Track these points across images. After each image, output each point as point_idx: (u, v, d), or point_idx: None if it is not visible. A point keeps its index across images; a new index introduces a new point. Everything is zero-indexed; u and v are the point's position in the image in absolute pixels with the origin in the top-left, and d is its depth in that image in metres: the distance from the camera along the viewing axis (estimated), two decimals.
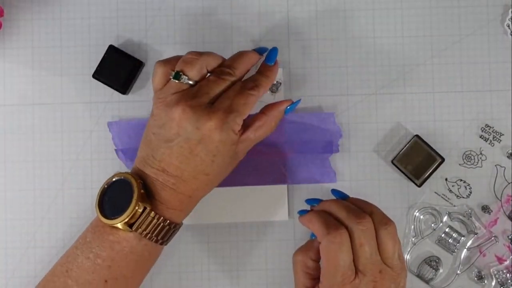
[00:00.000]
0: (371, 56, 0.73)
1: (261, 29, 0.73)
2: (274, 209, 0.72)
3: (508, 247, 0.71)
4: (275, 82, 0.71)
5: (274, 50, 0.67)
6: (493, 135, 0.72)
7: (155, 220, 0.61)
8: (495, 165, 0.72)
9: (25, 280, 0.72)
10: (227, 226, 0.72)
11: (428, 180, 0.71)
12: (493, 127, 0.72)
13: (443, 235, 0.71)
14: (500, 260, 0.71)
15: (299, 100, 0.67)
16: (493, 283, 0.71)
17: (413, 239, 0.71)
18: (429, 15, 0.73)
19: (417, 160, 0.71)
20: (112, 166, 0.72)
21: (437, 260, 0.71)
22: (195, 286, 0.72)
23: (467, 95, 0.72)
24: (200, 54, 0.63)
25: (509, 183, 0.72)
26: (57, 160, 0.72)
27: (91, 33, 0.73)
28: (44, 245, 0.72)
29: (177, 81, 0.62)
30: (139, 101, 0.73)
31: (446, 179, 0.72)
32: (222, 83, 0.62)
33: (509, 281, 0.70)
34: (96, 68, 0.71)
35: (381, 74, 0.73)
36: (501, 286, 0.71)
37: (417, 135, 0.71)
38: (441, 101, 0.72)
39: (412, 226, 0.72)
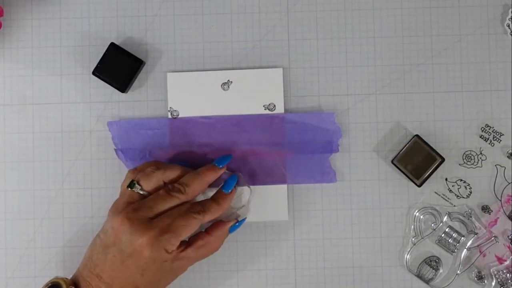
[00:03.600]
0: (371, 56, 0.73)
1: (261, 29, 0.73)
2: (274, 209, 0.72)
3: (508, 247, 0.71)
4: (241, 205, 0.70)
5: (232, 178, 0.68)
6: (493, 135, 0.72)
7: None
8: (495, 165, 0.72)
9: (25, 280, 0.72)
10: None
11: (428, 180, 0.71)
12: (493, 127, 0.72)
13: (443, 235, 0.71)
14: (500, 260, 0.71)
15: (244, 219, 0.69)
16: (493, 283, 0.71)
17: (413, 239, 0.71)
18: (429, 15, 0.73)
19: (417, 160, 0.71)
20: (112, 166, 0.72)
21: (437, 260, 0.71)
22: (195, 286, 0.72)
23: (467, 95, 0.72)
24: (160, 167, 0.66)
25: (509, 183, 0.72)
26: (57, 160, 0.72)
27: (91, 33, 0.73)
28: (44, 245, 0.72)
29: (130, 189, 0.64)
30: (139, 101, 0.73)
31: (446, 179, 0.72)
32: (170, 200, 0.64)
33: (509, 281, 0.70)
34: (97, 65, 0.71)
35: (381, 74, 0.73)
36: (501, 286, 0.71)
37: (417, 135, 0.71)
38: (441, 101, 0.72)
39: (412, 226, 0.72)
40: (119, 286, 0.62)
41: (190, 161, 0.71)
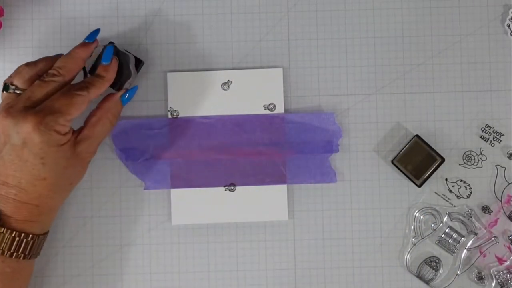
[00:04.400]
0: (371, 56, 0.73)
1: (261, 29, 0.73)
2: (274, 209, 0.72)
3: (509, 247, 0.71)
4: (129, 74, 0.69)
5: (109, 48, 0.67)
6: (493, 135, 0.72)
7: (7, 235, 0.61)
8: (495, 165, 0.72)
9: None
10: (227, 226, 0.72)
11: (428, 180, 0.71)
12: (493, 127, 0.72)
13: (443, 236, 0.71)
14: (501, 260, 0.71)
15: (136, 87, 0.68)
16: (493, 284, 0.71)
17: (413, 239, 0.71)
18: (429, 15, 0.73)
19: (417, 160, 0.71)
20: (112, 166, 0.72)
21: (437, 261, 0.71)
22: (195, 286, 0.71)
23: (467, 95, 0.72)
24: (30, 62, 0.65)
25: (509, 184, 0.71)
26: None
27: None
28: (44, 245, 0.72)
29: (5, 92, 0.63)
30: (139, 101, 0.73)
31: (446, 179, 0.72)
32: (46, 86, 0.63)
33: (509, 281, 0.70)
34: (93, 64, 0.70)
35: (381, 74, 0.73)
36: (502, 286, 0.70)
37: (417, 135, 0.71)
38: (441, 101, 0.72)
39: (412, 226, 0.72)
40: (28, 184, 0.61)
41: (190, 161, 0.71)
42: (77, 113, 0.63)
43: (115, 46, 0.69)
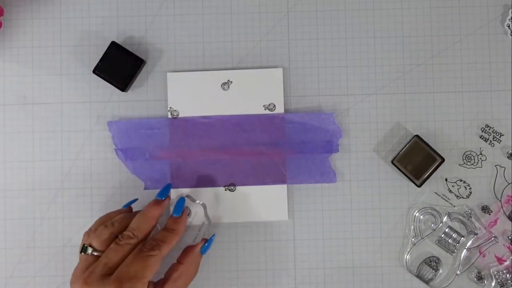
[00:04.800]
0: (371, 56, 0.73)
1: (261, 29, 0.73)
2: (274, 209, 0.72)
3: (508, 247, 0.71)
4: (201, 223, 0.70)
5: (180, 201, 0.68)
6: (493, 135, 0.72)
7: None
8: (495, 166, 0.72)
9: (25, 280, 0.72)
10: (227, 226, 0.72)
11: (428, 180, 0.71)
12: (493, 127, 0.72)
13: (443, 236, 0.71)
14: (500, 260, 0.71)
15: (213, 236, 0.69)
16: (493, 284, 0.71)
17: (413, 239, 0.71)
18: (429, 15, 0.73)
19: (417, 160, 0.71)
20: (112, 166, 0.72)
21: (437, 261, 0.71)
22: (195, 286, 0.71)
23: (467, 95, 0.72)
24: (107, 223, 0.64)
25: (509, 184, 0.72)
26: (57, 160, 0.72)
27: (91, 33, 0.73)
28: (44, 245, 0.72)
29: (83, 254, 0.63)
30: (139, 101, 0.73)
31: (446, 179, 0.72)
32: (122, 250, 0.63)
33: (509, 281, 0.70)
34: (97, 64, 0.71)
35: (381, 74, 0.73)
36: (501, 286, 0.70)
37: (417, 135, 0.71)
38: (441, 101, 0.72)
39: (412, 226, 0.72)
40: None
41: (190, 161, 0.71)
42: (152, 274, 0.62)
43: (116, 44, 0.70)
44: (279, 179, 0.72)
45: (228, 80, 0.72)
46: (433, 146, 0.71)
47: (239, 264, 0.72)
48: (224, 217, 0.72)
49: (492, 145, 0.72)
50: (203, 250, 0.68)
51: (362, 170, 0.72)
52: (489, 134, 0.72)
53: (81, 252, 0.64)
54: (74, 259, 0.71)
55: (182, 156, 0.72)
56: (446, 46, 0.73)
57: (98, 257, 0.63)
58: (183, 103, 0.72)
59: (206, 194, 0.71)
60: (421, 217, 0.72)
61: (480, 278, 0.71)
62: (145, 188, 0.72)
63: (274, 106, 0.72)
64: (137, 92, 0.73)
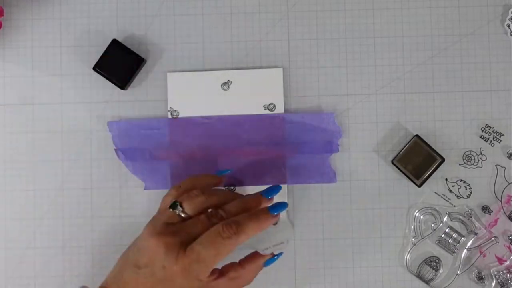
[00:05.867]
0: (371, 56, 0.73)
1: (261, 29, 0.73)
2: None
3: (509, 247, 0.71)
4: (280, 242, 0.65)
5: (283, 204, 0.64)
6: (493, 135, 0.72)
7: None
8: (495, 165, 0.72)
9: (25, 280, 0.72)
10: None
11: (428, 180, 0.71)
12: (493, 127, 0.72)
13: (443, 236, 0.71)
14: (501, 260, 0.71)
15: (281, 253, 0.66)
16: (493, 284, 0.71)
17: (413, 239, 0.71)
18: (429, 15, 0.73)
19: (417, 160, 0.71)
20: (112, 166, 0.72)
21: (437, 261, 0.71)
22: None
23: (467, 95, 0.72)
24: (205, 192, 0.64)
25: (509, 183, 0.71)
26: (57, 160, 0.72)
27: (91, 33, 0.73)
28: (44, 245, 0.72)
29: (171, 210, 0.63)
30: (139, 101, 0.73)
31: (446, 179, 0.72)
32: (209, 227, 0.61)
33: (509, 281, 0.70)
34: (98, 61, 0.71)
35: (381, 74, 0.73)
36: (502, 286, 0.70)
37: (417, 135, 0.71)
38: (441, 101, 0.72)
39: (412, 226, 0.72)
40: None
41: (190, 161, 0.71)
42: (220, 261, 0.61)
43: (117, 42, 0.70)
44: (279, 179, 0.72)
45: (228, 80, 0.72)
46: (433, 146, 0.71)
47: None
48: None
49: (492, 145, 0.72)
50: (267, 263, 0.66)
51: (362, 170, 0.72)
52: (489, 134, 0.72)
53: (169, 208, 0.63)
54: (74, 259, 0.71)
55: (182, 156, 0.72)
56: (446, 46, 0.73)
57: (182, 219, 0.63)
58: (183, 103, 0.72)
59: None
60: (421, 217, 0.72)
61: (480, 278, 0.71)
62: (145, 188, 0.72)
63: (274, 106, 0.72)
64: (137, 92, 0.73)
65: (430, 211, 0.72)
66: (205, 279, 0.61)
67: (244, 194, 0.69)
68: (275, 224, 0.64)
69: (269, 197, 0.65)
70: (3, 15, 0.71)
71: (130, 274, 0.61)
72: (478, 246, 0.71)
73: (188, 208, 0.63)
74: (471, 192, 0.72)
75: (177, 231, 0.61)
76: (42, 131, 0.72)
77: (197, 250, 0.60)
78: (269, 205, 0.63)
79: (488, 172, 0.72)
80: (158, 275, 0.61)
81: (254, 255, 0.65)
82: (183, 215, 0.63)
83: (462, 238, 0.71)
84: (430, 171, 0.71)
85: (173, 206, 0.63)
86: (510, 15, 0.72)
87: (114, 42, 0.71)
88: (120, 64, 0.71)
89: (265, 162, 0.72)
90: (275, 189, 0.65)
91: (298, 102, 0.72)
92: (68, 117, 0.73)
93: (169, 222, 0.63)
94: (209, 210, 0.63)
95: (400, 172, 0.71)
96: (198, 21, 0.73)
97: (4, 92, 0.73)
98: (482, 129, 0.72)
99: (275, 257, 0.66)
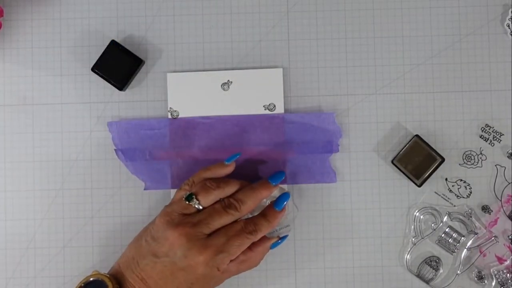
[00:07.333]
0: (371, 56, 0.73)
1: (261, 29, 0.73)
2: None
3: (509, 247, 0.71)
4: (285, 225, 0.71)
5: (285, 196, 0.68)
6: (493, 135, 0.72)
7: None
8: (495, 165, 0.72)
9: (25, 280, 0.72)
10: None
11: (428, 180, 0.71)
12: (493, 127, 0.72)
13: (443, 235, 0.71)
14: (501, 260, 0.71)
15: (286, 236, 0.69)
16: (493, 283, 0.71)
17: (413, 239, 0.71)
18: (429, 15, 0.73)
19: (417, 160, 0.71)
20: (112, 166, 0.72)
21: (437, 260, 0.71)
22: None
23: (467, 95, 0.72)
24: (219, 184, 0.66)
25: (509, 183, 0.72)
26: (57, 160, 0.72)
27: (91, 33, 0.73)
28: (44, 245, 0.72)
29: (187, 202, 0.65)
30: (139, 101, 0.73)
31: (446, 179, 0.72)
32: (225, 217, 0.65)
33: (509, 281, 0.70)
34: (96, 62, 0.71)
35: (381, 74, 0.73)
36: (502, 286, 0.70)
37: (417, 135, 0.71)
38: (441, 101, 0.72)
39: (412, 226, 0.72)
40: None
41: (190, 161, 0.71)
42: (239, 253, 0.65)
43: (116, 43, 0.70)
44: None
45: (228, 80, 0.72)
46: (433, 146, 0.71)
47: None
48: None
49: (492, 144, 0.72)
50: (274, 245, 0.68)
51: (362, 170, 0.72)
52: (489, 134, 0.72)
53: (185, 200, 0.65)
54: (74, 259, 0.71)
55: (182, 156, 0.72)
56: (446, 46, 0.73)
57: (197, 210, 0.65)
58: (183, 103, 0.72)
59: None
60: (421, 217, 0.72)
61: (480, 277, 0.71)
62: (145, 189, 0.72)
63: (274, 106, 0.72)
64: (137, 93, 0.73)
65: (430, 211, 0.72)
66: (223, 268, 0.64)
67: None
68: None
69: (275, 184, 0.68)
70: (3, 15, 0.71)
71: (147, 262, 0.63)
72: (478, 245, 0.71)
73: (203, 200, 0.65)
74: (471, 192, 0.72)
75: (197, 222, 0.64)
76: (42, 132, 0.72)
77: (222, 241, 0.63)
78: (276, 203, 0.68)
79: (488, 172, 0.72)
80: (178, 264, 0.63)
81: (262, 239, 0.67)
82: (199, 207, 0.65)
83: (462, 238, 0.71)
84: (430, 171, 0.71)
85: (189, 198, 0.65)
86: (510, 15, 0.72)
87: (113, 43, 0.71)
88: (118, 65, 0.71)
89: (265, 162, 0.72)
90: (279, 175, 0.69)
91: (298, 102, 0.72)
92: (68, 117, 0.72)
93: (185, 213, 0.64)
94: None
95: (400, 172, 0.71)
96: (198, 21, 0.73)
97: (4, 92, 0.73)
98: (482, 129, 0.72)
99: (281, 239, 0.69)
